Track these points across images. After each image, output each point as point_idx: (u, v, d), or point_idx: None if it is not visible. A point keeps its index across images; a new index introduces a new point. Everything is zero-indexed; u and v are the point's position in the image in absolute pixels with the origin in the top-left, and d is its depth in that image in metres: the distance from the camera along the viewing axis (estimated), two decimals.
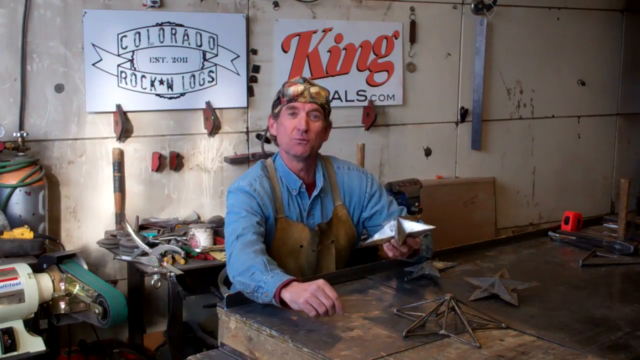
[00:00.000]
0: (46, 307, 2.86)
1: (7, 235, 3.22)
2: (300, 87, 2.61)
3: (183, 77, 4.01)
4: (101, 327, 2.95)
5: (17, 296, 2.73)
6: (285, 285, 2.17)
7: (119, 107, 3.83)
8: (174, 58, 3.97)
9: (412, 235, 2.38)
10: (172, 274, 3.21)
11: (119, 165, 3.86)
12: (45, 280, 2.83)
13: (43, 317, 2.91)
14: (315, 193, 2.70)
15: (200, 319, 4.02)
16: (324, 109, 2.66)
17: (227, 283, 2.93)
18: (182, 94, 4.02)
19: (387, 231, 2.38)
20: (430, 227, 2.38)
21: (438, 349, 1.93)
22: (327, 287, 2.13)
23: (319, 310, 2.09)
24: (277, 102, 2.68)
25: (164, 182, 4.04)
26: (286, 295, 2.15)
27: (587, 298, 2.41)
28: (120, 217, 3.87)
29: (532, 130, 5.40)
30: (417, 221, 2.40)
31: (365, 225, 2.80)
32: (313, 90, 2.62)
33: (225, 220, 2.61)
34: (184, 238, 3.60)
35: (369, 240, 2.48)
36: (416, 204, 4.01)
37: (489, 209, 5.13)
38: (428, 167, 4.92)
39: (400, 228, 2.34)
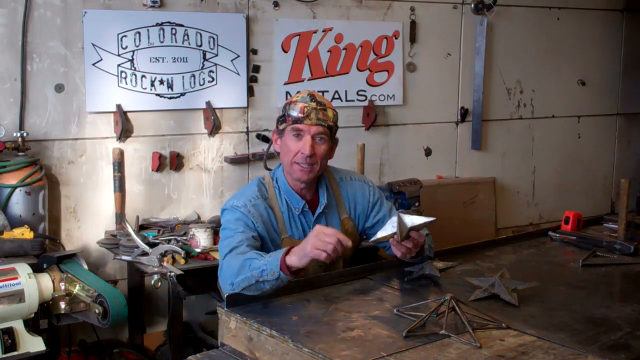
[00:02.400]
0: (46, 307, 2.86)
1: (7, 235, 3.22)
2: (306, 108, 2.50)
3: (183, 77, 4.00)
4: (101, 327, 2.94)
5: (17, 296, 2.72)
6: (287, 253, 2.20)
7: (119, 107, 3.83)
8: (174, 58, 3.97)
9: (414, 228, 2.38)
10: (172, 274, 3.21)
11: (119, 165, 3.85)
12: (45, 280, 2.83)
13: (43, 317, 2.91)
14: (319, 210, 2.64)
15: (200, 319, 4.02)
16: (331, 130, 2.56)
17: None
18: (182, 94, 4.01)
19: (388, 228, 2.38)
20: (431, 218, 2.37)
21: (438, 349, 1.93)
22: (325, 229, 2.16)
23: (328, 249, 2.11)
24: (282, 119, 2.58)
25: (164, 182, 4.04)
26: (292, 258, 2.18)
27: (587, 298, 2.41)
28: (120, 217, 3.86)
29: (532, 130, 5.40)
30: (420, 214, 2.39)
31: (367, 233, 2.78)
32: (320, 111, 2.52)
33: (221, 236, 2.55)
34: (184, 238, 3.60)
35: (373, 239, 2.47)
36: (416, 204, 4.01)
37: (489, 209, 5.13)
38: (428, 167, 4.92)
39: (401, 223, 2.34)
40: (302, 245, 2.19)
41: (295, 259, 2.19)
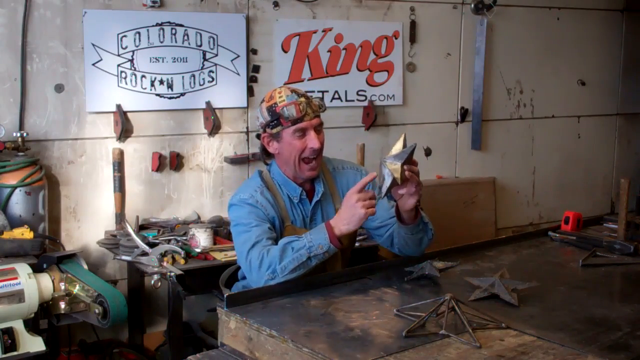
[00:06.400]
0: (46, 307, 2.86)
1: (7, 235, 3.22)
2: (300, 106, 2.52)
3: (183, 77, 4.01)
4: (101, 327, 2.95)
5: (17, 296, 2.73)
6: (329, 228, 2.34)
7: (119, 107, 3.83)
8: (174, 58, 3.97)
9: (405, 162, 2.30)
10: (172, 274, 3.21)
11: (119, 165, 3.86)
12: (45, 280, 2.84)
13: (43, 317, 2.91)
14: (316, 199, 2.68)
15: (200, 319, 4.02)
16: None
17: (228, 285, 2.92)
18: (182, 94, 4.02)
19: (387, 179, 2.30)
20: (412, 144, 2.32)
21: (438, 349, 1.93)
22: (355, 195, 2.32)
23: (373, 204, 2.31)
24: (275, 123, 2.56)
25: (164, 182, 4.04)
26: (342, 228, 2.33)
27: (587, 298, 2.41)
28: (120, 217, 3.87)
29: (532, 130, 5.40)
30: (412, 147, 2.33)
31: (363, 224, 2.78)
32: (310, 103, 2.56)
33: (233, 232, 2.57)
34: (184, 238, 3.60)
35: (381, 194, 2.34)
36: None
37: (489, 209, 5.13)
38: (428, 167, 4.91)
39: (391, 166, 2.28)
40: (343, 214, 2.33)
41: (345, 228, 2.33)
